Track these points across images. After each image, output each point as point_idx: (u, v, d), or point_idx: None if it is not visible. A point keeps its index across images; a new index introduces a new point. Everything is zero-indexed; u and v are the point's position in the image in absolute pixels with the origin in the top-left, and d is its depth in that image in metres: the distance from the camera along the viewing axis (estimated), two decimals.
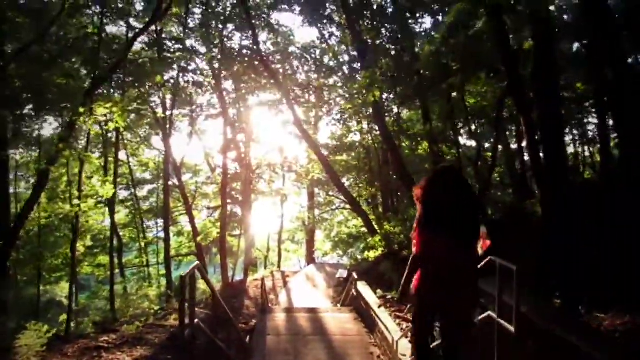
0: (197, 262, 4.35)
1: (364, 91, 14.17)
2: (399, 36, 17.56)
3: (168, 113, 19.76)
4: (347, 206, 24.31)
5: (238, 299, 16.27)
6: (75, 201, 9.24)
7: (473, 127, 18.18)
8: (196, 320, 4.10)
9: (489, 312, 4.53)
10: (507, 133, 18.67)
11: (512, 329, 3.99)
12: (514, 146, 18.51)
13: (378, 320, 7.40)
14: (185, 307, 3.89)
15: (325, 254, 31.85)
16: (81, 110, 8.83)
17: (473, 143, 19.89)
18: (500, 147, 17.23)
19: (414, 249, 3.46)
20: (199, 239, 22.72)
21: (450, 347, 3.50)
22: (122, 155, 21.58)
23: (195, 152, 52.66)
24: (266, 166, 25.68)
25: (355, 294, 10.36)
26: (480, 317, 4.66)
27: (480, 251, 3.93)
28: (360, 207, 19.24)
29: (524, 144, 15.49)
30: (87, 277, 21.78)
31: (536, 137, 9.51)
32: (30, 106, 12.93)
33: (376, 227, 15.69)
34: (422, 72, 15.11)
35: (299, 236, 35.26)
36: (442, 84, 14.15)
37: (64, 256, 17.02)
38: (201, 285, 18.21)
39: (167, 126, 19.13)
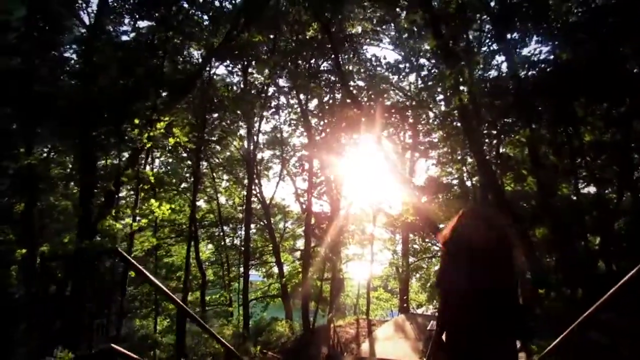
0: None
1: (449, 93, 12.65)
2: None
3: (252, 148, 19.73)
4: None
5: (317, 345, 15.04)
6: (128, 220, 8.93)
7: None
8: None
9: None
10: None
11: None
12: None
13: None
14: None
15: (420, 305, 29.49)
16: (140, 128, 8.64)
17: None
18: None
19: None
20: (284, 280, 22.09)
21: None
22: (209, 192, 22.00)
23: (285, 194, 53.31)
24: (357, 209, 24.98)
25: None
26: None
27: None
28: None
29: None
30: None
31: None
32: None
33: None
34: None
35: (392, 285, 33.33)
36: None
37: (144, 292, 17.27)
38: (279, 327, 17.40)
39: (252, 163, 19.05)
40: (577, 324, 4.10)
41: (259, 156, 25.01)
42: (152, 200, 9.24)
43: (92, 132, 9.20)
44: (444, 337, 2.72)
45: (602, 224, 13.91)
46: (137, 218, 9.69)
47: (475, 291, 2.48)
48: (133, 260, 3.29)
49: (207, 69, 15.01)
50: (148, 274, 3.34)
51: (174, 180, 19.45)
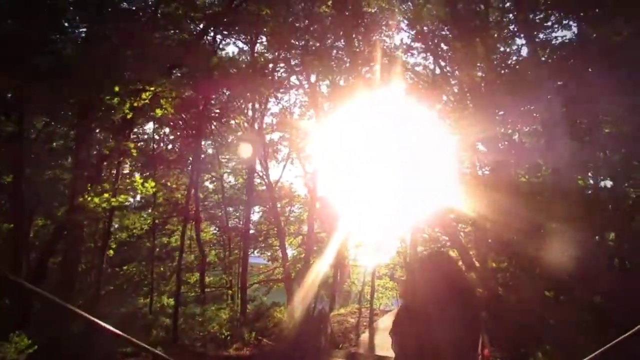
0: None
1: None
2: None
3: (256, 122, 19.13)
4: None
5: (315, 334, 14.52)
6: (106, 194, 8.35)
7: None
8: None
9: None
10: None
11: None
12: None
13: None
14: None
15: None
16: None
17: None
18: None
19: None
20: (287, 264, 21.63)
21: None
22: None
23: (294, 178, 52.61)
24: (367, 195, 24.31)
25: None
26: None
27: None
28: (457, 237, 16.58)
29: None
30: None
31: None
32: None
33: (476, 262, 13.02)
34: None
35: (399, 273, 32.76)
36: None
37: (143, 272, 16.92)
38: (277, 314, 16.96)
39: (257, 143, 18.42)
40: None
41: (267, 138, 24.56)
42: (137, 176, 8.72)
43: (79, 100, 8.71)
44: None
45: (618, 220, 13.16)
46: (134, 196, 9.17)
47: (424, 351, 2.33)
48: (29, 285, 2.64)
49: (209, 40, 14.43)
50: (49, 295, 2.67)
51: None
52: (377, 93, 17.61)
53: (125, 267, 15.95)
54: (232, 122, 22.29)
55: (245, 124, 18.83)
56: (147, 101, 8.32)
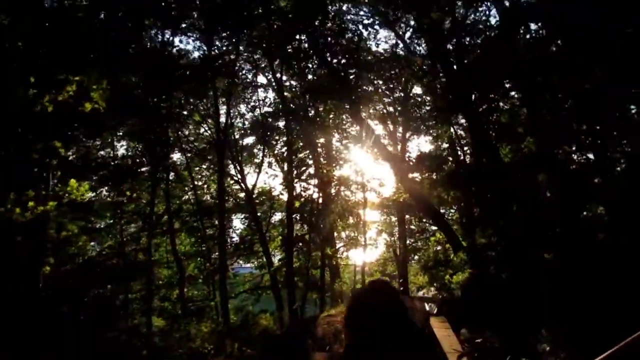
0: None
1: None
2: None
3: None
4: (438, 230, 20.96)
5: (303, 340, 13.64)
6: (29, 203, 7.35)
7: None
8: None
9: None
10: None
11: None
12: None
13: None
14: None
15: (421, 288, 28.16)
16: None
17: None
18: None
19: None
20: (272, 270, 20.75)
21: None
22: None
23: (274, 181, 51.60)
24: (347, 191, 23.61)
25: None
26: None
27: None
28: (442, 217, 15.89)
29: None
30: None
31: None
32: None
33: (462, 241, 12.25)
34: None
35: (390, 269, 32.03)
36: None
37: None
38: (263, 321, 16.07)
39: (223, 146, 17.50)
40: None
41: (239, 141, 23.69)
42: (72, 181, 7.78)
43: None
44: None
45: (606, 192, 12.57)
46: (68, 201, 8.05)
47: None
48: None
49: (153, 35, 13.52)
50: None
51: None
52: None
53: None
54: (202, 127, 21.46)
55: (212, 128, 17.93)
56: (71, 93, 7.37)
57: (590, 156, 14.23)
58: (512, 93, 15.07)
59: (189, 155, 20.97)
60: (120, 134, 17.29)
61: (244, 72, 20.07)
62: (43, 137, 7.45)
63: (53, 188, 7.69)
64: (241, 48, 16.93)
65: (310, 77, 19.73)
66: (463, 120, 16.70)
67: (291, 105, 20.53)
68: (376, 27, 18.91)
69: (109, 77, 8.36)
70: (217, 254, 20.04)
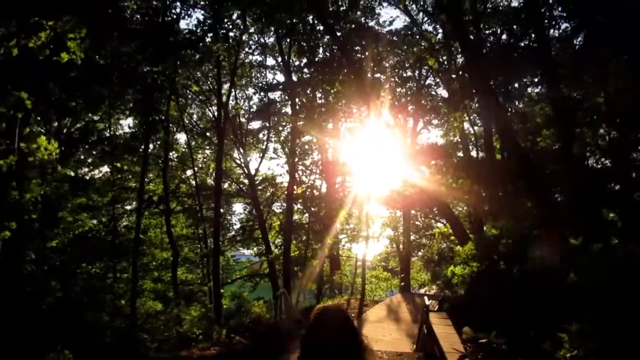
0: None
1: None
2: None
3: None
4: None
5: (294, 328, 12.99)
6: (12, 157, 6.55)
7: None
8: None
9: None
10: None
11: None
12: None
13: None
14: None
15: (423, 285, 27.44)
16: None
17: None
18: None
19: None
20: (270, 257, 20.09)
21: None
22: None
23: (278, 168, 51.07)
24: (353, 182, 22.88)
25: (426, 332, 6.49)
26: None
27: None
28: (448, 208, 15.10)
29: None
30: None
31: None
32: None
33: (470, 234, 11.44)
34: None
35: (393, 264, 31.34)
36: None
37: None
38: (256, 309, 15.42)
39: (222, 120, 16.72)
40: None
41: (243, 125, 23.04)
42: (42, 137, 7.08)
43: None
44: None
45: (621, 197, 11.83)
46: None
47: None
48: None
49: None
50: None
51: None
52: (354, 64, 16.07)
53: (83, 265, 14.19)
54: (206, 107, 20.77)
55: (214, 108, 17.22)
56: (43, 40, 6.61)
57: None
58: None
59: (189, 136, 20.41)
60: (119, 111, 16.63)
61: (251, 48, 19.36)
62: (6, 86, 6.76)
63: (18, 144, 6.99)
64: (248, 22, 16.10)
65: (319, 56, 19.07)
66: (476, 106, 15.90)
67: (299, 89, 19.84)
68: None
69: (90, 27, 7.55)
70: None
